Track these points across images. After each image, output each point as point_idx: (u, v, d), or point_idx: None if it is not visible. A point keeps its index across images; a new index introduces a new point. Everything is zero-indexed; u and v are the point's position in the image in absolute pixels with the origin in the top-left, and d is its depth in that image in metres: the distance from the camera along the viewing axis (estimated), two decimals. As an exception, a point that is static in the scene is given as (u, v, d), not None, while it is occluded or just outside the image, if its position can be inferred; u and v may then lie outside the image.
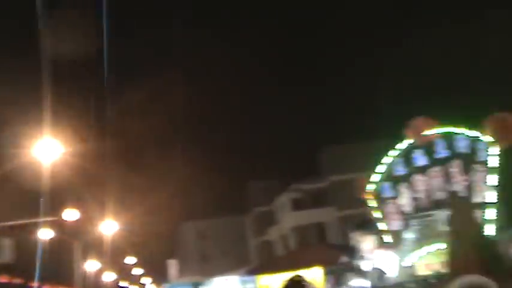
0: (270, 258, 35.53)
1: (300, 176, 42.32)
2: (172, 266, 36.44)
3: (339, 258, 14.50)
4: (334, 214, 38.72)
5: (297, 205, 41.06)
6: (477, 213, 16.25)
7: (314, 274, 14.39)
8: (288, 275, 12.97)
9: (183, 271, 45.54)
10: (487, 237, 4.27)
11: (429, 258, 16.86)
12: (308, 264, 14.50)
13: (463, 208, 4.35)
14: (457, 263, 3.93)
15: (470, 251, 4.13)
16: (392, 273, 6.14)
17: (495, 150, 7.40)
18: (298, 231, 39.16)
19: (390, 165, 9.17)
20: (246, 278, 18.56)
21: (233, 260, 44.91)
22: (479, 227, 4.65)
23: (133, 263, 47.99)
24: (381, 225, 8.95)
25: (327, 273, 14.01)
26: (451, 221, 4.56)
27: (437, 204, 8.34)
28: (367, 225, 5.60)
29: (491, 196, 6.98)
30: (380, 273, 5.09)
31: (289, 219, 40.99)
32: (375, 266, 4.73)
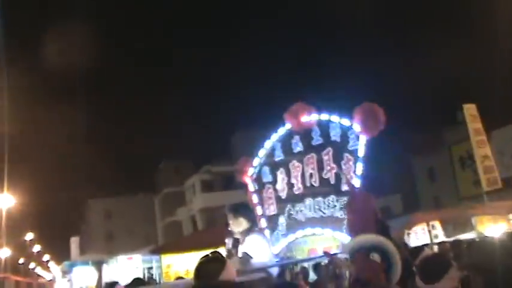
0: (177, 238, 35.41)
1: (213, 159, 42.46)
2: (75, 244, 35.29)
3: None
4: (244, 197, 39.26)
5: (208, 187, 41.20)
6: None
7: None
8: (192, 255, 12.88)
9: (86, 249, 44.18)
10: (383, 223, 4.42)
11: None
12: (213, 244, 14.53)
13: (361, 196, 4.50)
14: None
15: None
16: (261, 258, 6.08)
17: (363, 139, 7.60)
18: (207, 213, 39.33)
19: (271, 150, 9.15)
20: (150, 257, 18.31)
21: (140, 240, 44.29)
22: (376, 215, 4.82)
23: (31, 239, 45.75)
24: (258, 210, 8.95)
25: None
26: (348, 208, 4.67)
27: (311, 191, 8.44)
28: (242, 209, 5.57)
29: (356, 185, 7.27)
30: (247, 258, 5.06)
31: (198, 201, 41.03)
32: (243, 251, 4.73)
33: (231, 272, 2.92)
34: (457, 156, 31.91)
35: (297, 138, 8.78)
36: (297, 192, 8.53)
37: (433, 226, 14.48)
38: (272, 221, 8.88)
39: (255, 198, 9.13)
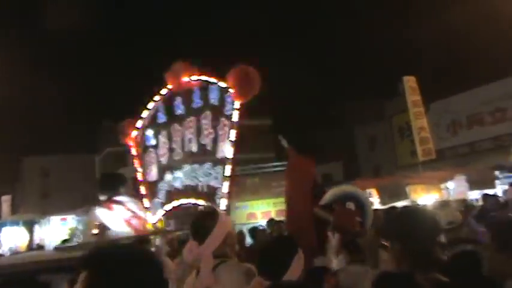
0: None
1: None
2: (6, 203, 33.93)
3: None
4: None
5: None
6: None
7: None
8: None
9: (19, 209, 42.74)
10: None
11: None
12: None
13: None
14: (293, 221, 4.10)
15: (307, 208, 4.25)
16: (118, 228, 5.83)
17: (237, 104, 7.16)
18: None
19: (154, 111, 8.54)
20: (85, 217, 17.83)
21: (77, 200, 43.27)
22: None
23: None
24: (139, 175, 8.42)
25: (172, 215, 14.02)
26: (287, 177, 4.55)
27: (190, 157, 7.92)
28: (105, 179, 5.26)
29: (229, 151, 6.91)
30: (104, 228, 4.91)
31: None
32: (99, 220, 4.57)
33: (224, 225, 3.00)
34: (397, 127, 32.87)
35: (179, 100, 8.03)
36: (176, 158, 8.05)
37: (369, 193, 14.87)
38: (153, 188, 8.39)
39: (136, 163, 8.57)
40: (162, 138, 8.20)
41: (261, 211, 17.06)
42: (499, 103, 26.74)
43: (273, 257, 2.80)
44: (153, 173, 8.28)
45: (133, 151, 8.56)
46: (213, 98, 7.46)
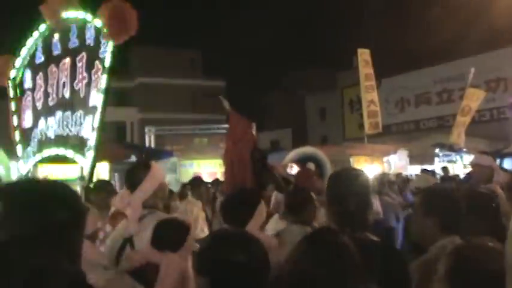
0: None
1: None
2: None
3: (129, 157, 14.36)
4: (136, 115, 38.37)
5: (99, 101, 39.51)
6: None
7: (101, 169, 14.08)
8: (73, 166, 12.17)
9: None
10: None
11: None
12: (98, 159, 14.03)
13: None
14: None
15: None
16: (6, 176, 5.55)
17: (110, 45, 6.20)
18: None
19: (32, 50, 7.57)
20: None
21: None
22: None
23: None
24: (13, 120, 7.56)
25: (112, 170, 13.80)
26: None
27: (63, 104, 6.94)
28: None
29: (98, 99, 5.92)
30: None
31: (88, 114, 39.37)
32: None
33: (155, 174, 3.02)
34: (348, 99, 33.43)
35: (56, 38, 7.02)
36: (51, 104, 7.15)
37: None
38: (27, 134, 7.38)
39: (12, 106, 7.53)
40: (39, 81, 7.31)
41: (207, 171, 17.09)
42: (446, 84, 27.61)
43: (237, 206, 2.89)
44: (28, 119, 7.40)
45: (11, 93, 7.65)
46: (89, 38, 6.52)
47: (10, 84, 7.71)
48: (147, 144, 20.28)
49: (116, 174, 14.37)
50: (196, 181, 7.95)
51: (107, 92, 6.17)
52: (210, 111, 32.49)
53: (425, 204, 2.51)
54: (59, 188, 1.44)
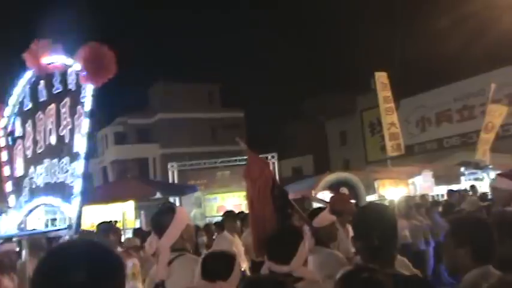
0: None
1: (129, 110, 41.21)
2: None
3: (155, 194, 14.49)
4: (158, 151, 38.79)
5: (121, 139, 40.17)
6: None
7: (127, 207, 14.22)
8: (101, 208, 12.29)
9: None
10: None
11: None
12: (122, 197, 14.22)
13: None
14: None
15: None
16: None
17: (89, 89, 5.97)
18: (119, 165, 38.46)
19: (21, 97, 7.44)
20: (53, 208, 17.49)
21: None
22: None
23: None
24: (5, 170, 7.39)
25: (138, 208, 13.92)
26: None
27: (50, 151, 6.73)
28: None
29: (81, 145, 5.66)
30: None
31: (111, 153, 39.98)
32: None
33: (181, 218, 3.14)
34: (368, 122, 33.31)
35: (42, 84, 6.96)
36: (39, 151, 7.11)
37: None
38: (18, 184, 7.28)
39: (3, 156, 7.43)
40: (28, 128, 7.21)
41: (232, 204, 17.11)
42: (466, 101, 27.36)
43: (282, 244, 2.99)
44: (20, 168, 7.25)
45: (3, 142, 7.62)
46: (71, 82, 6.46)
47: (1, 134, 7.69)
48: (170, 180, 20.45)
49: (142, 212, 14.50)
50: (232, 214, 8.11)
51: (90, 136, 6.07)
52: (230, 143, 32.59)
53: (456, 234, 2.49)
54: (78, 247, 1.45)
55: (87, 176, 6.10)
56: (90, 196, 17.40)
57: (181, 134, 37.49)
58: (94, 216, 14.20)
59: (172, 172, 20.42)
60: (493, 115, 14.84)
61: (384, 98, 14.97)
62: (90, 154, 6.15)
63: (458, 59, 24.49)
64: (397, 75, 16.85)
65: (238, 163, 19.13)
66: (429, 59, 26.23)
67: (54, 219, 18.65)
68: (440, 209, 10.25)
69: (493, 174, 15.26)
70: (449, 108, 28.66)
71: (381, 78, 15.16)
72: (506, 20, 19.51)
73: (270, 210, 4.22)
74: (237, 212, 12.13)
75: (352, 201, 4.89)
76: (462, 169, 16.03)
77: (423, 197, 11.23)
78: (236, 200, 17.44)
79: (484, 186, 14.90)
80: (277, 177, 20.36)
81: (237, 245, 7.26)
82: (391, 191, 14.33)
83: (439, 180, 15.06)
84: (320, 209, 5.81)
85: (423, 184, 14.59)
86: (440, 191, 14.81)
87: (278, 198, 4.26)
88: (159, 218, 3.18)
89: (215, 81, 41.85)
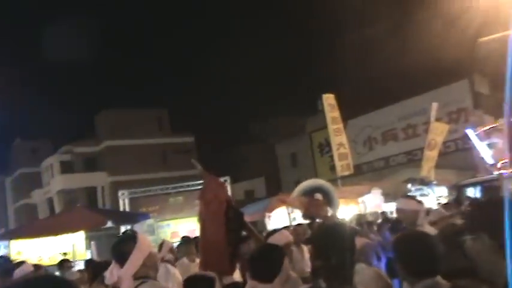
0: (31, 222, 33.03)
1: (75, 138, 40.19)
2: None
3: (106, 223, 14.11)
4: (106, 179, 37.89)
5: (67, 168, 39.00)
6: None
7: (76, 239, 13.77)
8: (47, 240, 11.89)
9: None
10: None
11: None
12: (71, 229, 13.75)
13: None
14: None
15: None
16: None
17: None
18: (66, 195, 37.26)
19: None
20: (-3, 242, 16.77)
21: (-12, 224, 40.57)
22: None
23: None
24: None
25: (88, 238, 13.50)
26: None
27: None
28: None
29: None
30: None
31: (57, 182, 38.68)
32: None
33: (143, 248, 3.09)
34: (317, 143, 33.89)
35: None
36: None
37: (291, 209, 15.16)
38: None
39: None
40: None
41: (186, 229, 16.90)
42: (410, 120, 28.39)
43: (266, 263, 2.95)
44: None
45: None
46: None
47: None
48: (121, 208, 19.98)
49: (93, 242, 14.05)
50: (188, 240, 7.92)
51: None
52: (181, 168, 32.36)
53: (397, 250, 2.63)
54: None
55: None
56: (37, 228, 16.80)
57: (131, 160, 36.83)
58: (42, 249, 13.66)
59: (123, 200, 19.97)
60: (435, 133, 15.44)
61: (332, 119, 15.28)
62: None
63: (402, 78, 25.47)
64: (344, 96, 17.29)
65: (190, 188, 18.96)
66: (374, 80, 27.15)
67: (-3, 255, 17.84)
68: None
69: (437, 189, 15.86)
70: (394, 127, 29.63)
71: (328, 99, 15.49)
72: (445, 41, 20.53)
73: (222, 232, 4.24)
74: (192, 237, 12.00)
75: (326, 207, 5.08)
76: (409, 186, 16.55)
77: (374, 214, 11.50)
78: (190, 225, 17.24)
79: (429, 201, 15.44)
80: (230, 200, 20.50)
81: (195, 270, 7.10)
82: (342, 210, 14.57)
83: (387, 197, 15.47)
84: (275, 231, 5.89)
85: (373, 202, 14.93)
86: (389, 207, 15.20)
87: (232, 220, 4.28)
88: (121, 246, 3.13)
89: (164, 106, 41.61)
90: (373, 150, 30.90)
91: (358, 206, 14.87)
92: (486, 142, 13.23)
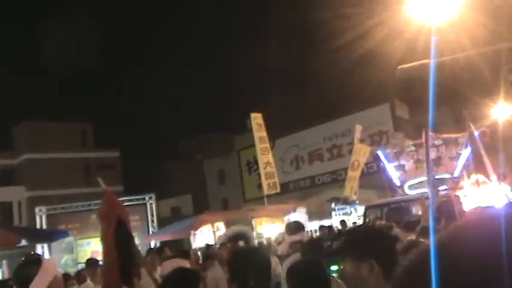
0: None
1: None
2: None
3: (19, 242, 13.30)
4: (23, 194, 35.93)
5: (-20, 182, 36.63)
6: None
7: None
8: None
9: None
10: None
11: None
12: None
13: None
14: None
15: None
16: None
17: None
18: (-22, 211, 34.91)
19: None
20: None
21: None
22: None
23: None
24: None
25: (0, 257, 12.69)
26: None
27: None
28: None
29: None
30: None
31: (-33, 197, 36.19)
32: None
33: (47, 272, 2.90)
34: (245, 161, 34.07)
35: None
36: None
37: (217, 227, 15.08)
38: None
39: None
40: None
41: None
42: (335, 140, 29.29)
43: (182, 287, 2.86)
44: None
45: None
46: None
47: None
48: (38, 225, 18.98)
49: (5, 261, 13.22)
50: (93, 262, 7.48)
51: None
52: (105, 184, 31.28)
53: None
54: None
55: None
56: None
57: (51, 175, 35.15)
58: None
59: (41, 217, 19.00)
60: (358, 154, 16.00)
61: (260, 138, 15.44)
62: None
63: (328, 101, 26.27)
64: (272, 115, 17.55)
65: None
66: (302, 101, 27.80)
67: None
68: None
69: (359, 208, 16.38)
70: (320, 147, 30.42)
71: (257, 119, 15.65)
72: (369, 67, 21.40)
73: (114, 252, 4.08)
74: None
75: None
76: (333, 205, 16.99)
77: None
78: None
79: (352, 220, 15.90)
80: (155, 218, 20.00)
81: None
82: (267, 228, 14.70)
83: (312, 216, 15.78)
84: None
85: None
86: (314, 226, 15.50)
87: (121, 242, 4.14)
88: (23, 271, 2.95)
89: (88, 119, 40.29)
90: (300, 170, 31.50)
91: (283, 224, 15.03)
92: (394, 164, 13.88)
